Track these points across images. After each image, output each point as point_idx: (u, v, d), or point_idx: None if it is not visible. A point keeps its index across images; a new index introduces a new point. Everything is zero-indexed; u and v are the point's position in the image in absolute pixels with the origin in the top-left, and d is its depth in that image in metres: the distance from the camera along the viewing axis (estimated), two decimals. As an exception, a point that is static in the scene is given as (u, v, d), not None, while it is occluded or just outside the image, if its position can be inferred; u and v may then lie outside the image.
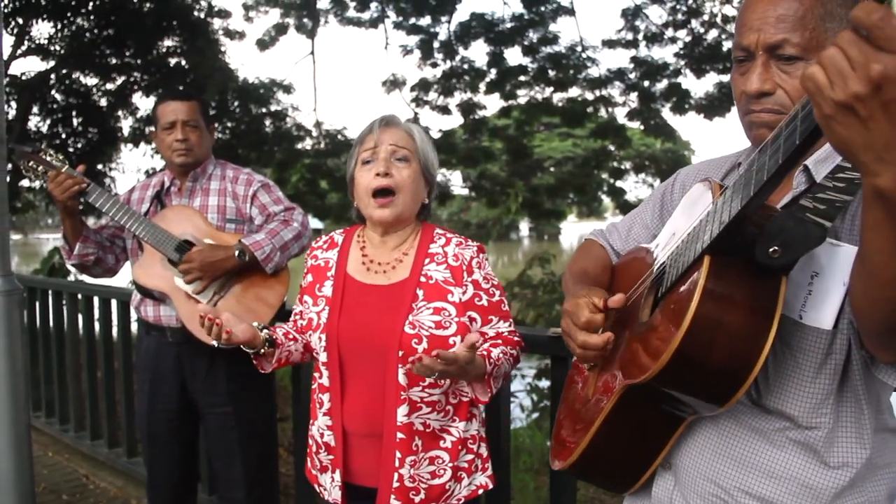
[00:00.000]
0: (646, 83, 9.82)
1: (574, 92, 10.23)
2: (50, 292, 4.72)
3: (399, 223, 1.80)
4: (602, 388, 1.27)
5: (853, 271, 0.97)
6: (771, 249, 0.98)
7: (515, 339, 1.80)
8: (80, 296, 4.38)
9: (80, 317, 4.41)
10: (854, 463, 1.09)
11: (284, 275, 2.59)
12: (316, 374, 1.81)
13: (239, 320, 1.69)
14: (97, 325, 4.33)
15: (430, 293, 1.71)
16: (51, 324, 4.73)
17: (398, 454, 1.67)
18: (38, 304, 4.81)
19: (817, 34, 1.07)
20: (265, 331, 1.75)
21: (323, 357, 1.75)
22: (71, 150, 9.54)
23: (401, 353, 1.66)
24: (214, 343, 1.68)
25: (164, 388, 2.64)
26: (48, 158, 2.51)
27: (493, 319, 1.77)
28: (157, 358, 2.64)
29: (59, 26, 8.89)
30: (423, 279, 1.73)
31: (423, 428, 1.70)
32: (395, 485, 1.67)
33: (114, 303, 4.09)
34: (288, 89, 10.41)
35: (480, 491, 1.79)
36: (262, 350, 1.74)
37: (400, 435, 1.67)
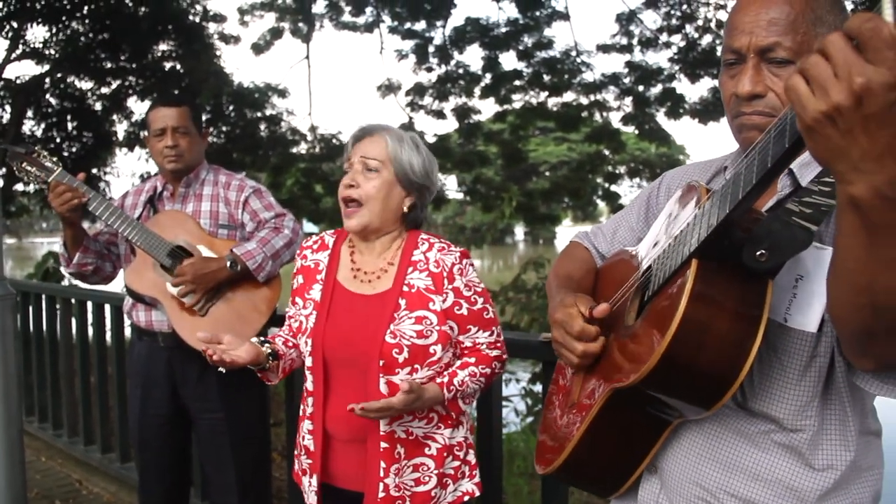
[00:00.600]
0: (640, 88, 9.85)
1: (569, 96, 10.29)
2: (43, 297, 4.70)
3: (369, 232, 1.79)
4: (588, 392, 1.27)
5: (828, 278, 0.97)
6: (758, 253, 0.98)
7: (494, 353, 1.77)
8: (73, 301, 4.37)
9: (73, 322, 4.40)
10: (838, 465, 1.10)
11: (276, 281, 2.59)
12: (304, 379, 1.82)
13: (240, 341, 1.68)
14: (90, 330, 4.32)
15: (412, 302, 1.70)
16: (44, 329, 4.72)
17: (382, 464, 1.67)
18: (31, 308, 4.80)
19: (808, 38, 1.09)
20: (267, 345, 1.74)
21: (308, 362, 1.76)
22: (66, 154, 9.54)
23: (382, 363, 1.67)
24: (222, 370, 1.67)
25: (155, 394, 2.64)
26: (42, 160, 2.51)
27: (471, 329, 1.75)
28: (148, 363, 2.64)
29: (54, 30, 8.91)
30: (405, 288, 1.72)
31: (406, 436, 1.70)
32: (381, 494, 1.67)
33: (107, 307, 4.08)
34: (283, 93, 10.45)
35: (466, 498, 1.78)
36: (267, 365, 1.73)
37: (383, 444, 1.67)
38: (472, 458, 1.81)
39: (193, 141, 2.61)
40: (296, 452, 1.86)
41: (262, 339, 1.76)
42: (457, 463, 1.77)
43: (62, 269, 2.75)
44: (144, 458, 2.73)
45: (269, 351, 1.73)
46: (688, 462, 1.19)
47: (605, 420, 1.20)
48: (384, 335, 1.67)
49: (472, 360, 1.75)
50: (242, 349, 1.66)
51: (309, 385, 1.77)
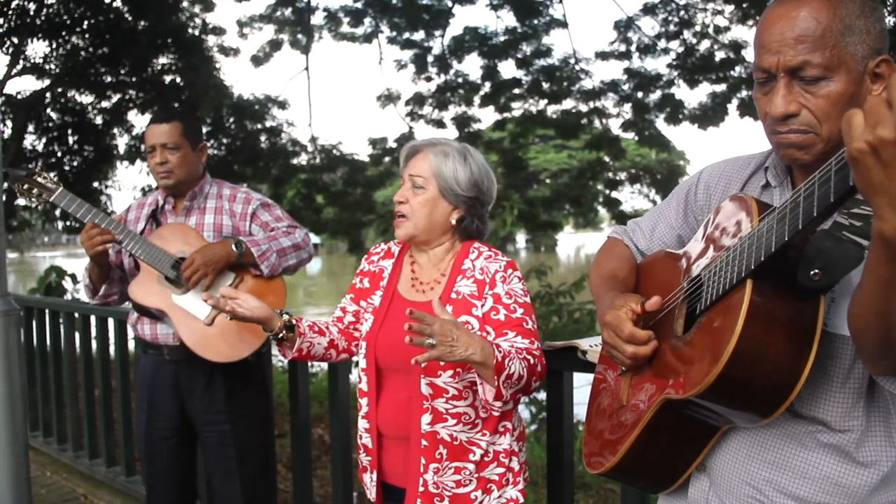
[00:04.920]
0: (639, 94, 9.85)
1: (568, 104, 10.27)
2: (47, 311, 4.71)
3: (418, 242, 1.90)
4: (637, 396, 1.30)
5: (853, 294, 0.99)
6: (812, 272, 1.00)
7: (535, 353, 1.74)
8: (76, 315, 4.37)
9: (77, 336, 4.40)
10: (885, 461, 1.12)
11: (281, 289, 2.59)
12: (359, 379, 1.92)
13: (256, 299, 1.79)
14: (94, 344, 4.32)
15: (457, 308, 1.78)
16: (48, 343, 4.72)
17: (423, 460, 1.75)
18: (35, 323, 4.80)
19: (838, 51, 1.08)
20: (286, 316, 1.83)
21: (362, 363, 1.88)
22: (66, 168, 9.56)
23: (423, 365, 1.69)
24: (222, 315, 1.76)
25: (161, 407, 2.64)
26: (42, 181, 2.52)
27: (508, 333, 1.75)
28: (154, 376, 2.64)
29: (55, 45, 8.92)
30: (453, 295, 1.81)
31: (450, 439, 1.76)
32: (421, 489, 1.75)
33: (111, 321, 4.08)
34: (283, 105, 10.44)
35: None
36: (282, 335, 1.82)
37: (424, 442, 1.75)
38: (516, 465, 1.85)
39: (185, 156, 2.60)
40: (359, 451, 1.95)
41: (281, 310, 1.85)
42: (501, 469, 1.81)
43: (89, 301, 2.75)
44: (152, 472, 2.74)
45: (286, 322, 1.82)
46: (737, 461, 1.22)
47: (656, 426, 1.23)
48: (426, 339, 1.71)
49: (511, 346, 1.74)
50: (255, 305, 1.77)
51: (363, 386, 1.88)
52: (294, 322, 1.84)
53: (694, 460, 1.27)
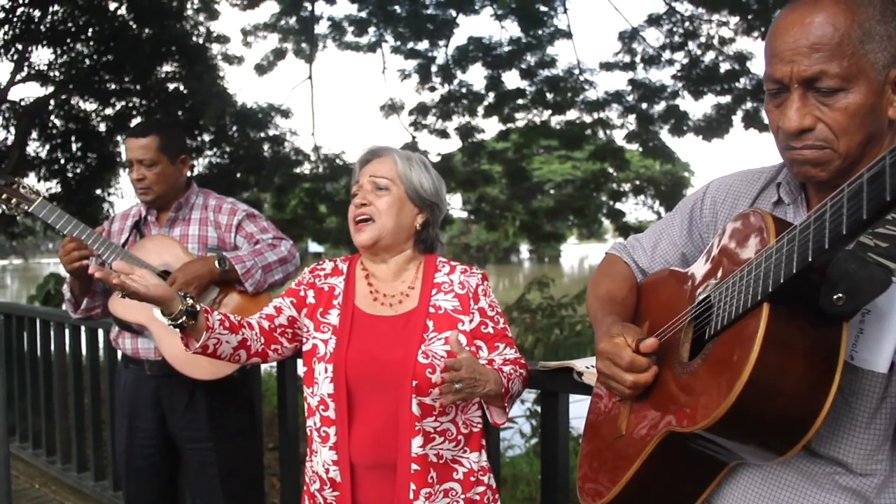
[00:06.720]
0: (644, 105, 9.81)
1: (572, 115, 10.22)
2: (38, 321, 4.65)
3: (380, 248, 1.79)
4: (638, 425, 1.22)
5: None
6: (835, 297, 0.91)
7: (522, 361, 1.79)
8: (66, 325, 4.31)
9: (67, 346, 4.34)
10: None
11: (266, 304, 2.52)
12: (317, 408, 1.71)
13: (155, 277, 1.51)
14: (84, 355, 4.26)
15: (440, 323, 1.72)
16: (38, 353, 4.66)
17: (413, 486, 1.63)
18: (25, 332, 4.75)
19: (856, 59, 1.00)
20: (189, 300, 1.54)
21: (328, 388, 1.68)
22: (69, 175, 9.55)
23: (415, 384, 1.64)
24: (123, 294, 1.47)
25: (142, 423, 2.57)
26: (23, 191, 2.46)
27: (499, 346, 1.76)
28: (135, 392, 2.57)
29: (59, 52, 8.94)
30: (432, 310, 1.74)
31: (437, 459, 1.68)
32: None
33: (100, 332, 4.03)
34: (286, 114, 10.43)
35: None
36: (181, 321, 1.53)
37: (415, 466, 1.63)
38: (493, 482, 1.79)
39: (163, 171, 2.53)
40: (311, 488, 1.76)
41: (187, 294, 1.57)
42: (482, 488, 1.75)
43: (71, 315, 2.68)
44: (132, 490, 2.66)
45: (187, 309, 1.53)
46: (745, 501, 1.14)
47: (658, 459, 1.14)
48: (416, 356, 1.65)
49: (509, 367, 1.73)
50: (152, 283, 1.48)
51: (330, 413, 1.68)
52: (198, 309, 1.56)
53: (698, 497, 1.18)
